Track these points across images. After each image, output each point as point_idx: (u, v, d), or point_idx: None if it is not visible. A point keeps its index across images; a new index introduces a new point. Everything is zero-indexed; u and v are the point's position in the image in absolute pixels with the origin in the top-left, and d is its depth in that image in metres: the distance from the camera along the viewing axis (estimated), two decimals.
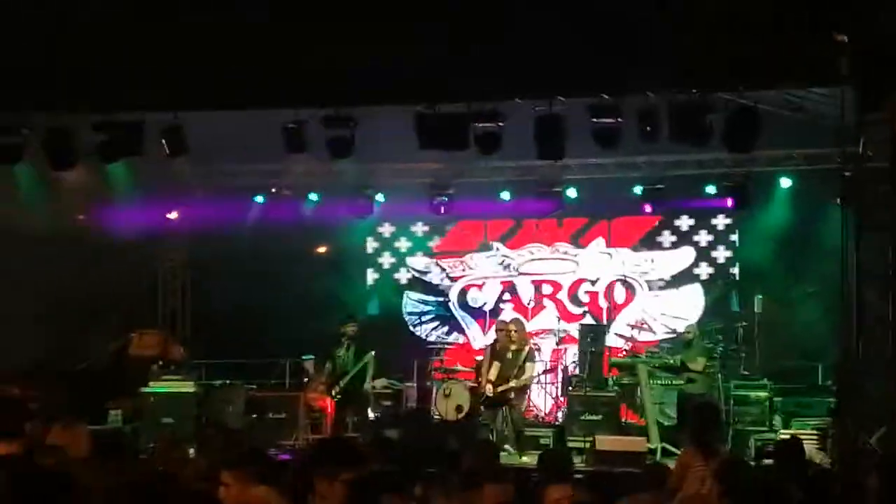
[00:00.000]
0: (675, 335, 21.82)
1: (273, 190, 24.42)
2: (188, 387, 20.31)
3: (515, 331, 18.77)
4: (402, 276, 25.75)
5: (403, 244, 25.80)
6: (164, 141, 18.60)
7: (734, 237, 23.92)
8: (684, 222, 24.18)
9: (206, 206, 24.08)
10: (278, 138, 18.63)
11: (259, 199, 24.64)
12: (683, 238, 24.20)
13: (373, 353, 19.49)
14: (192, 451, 11.54)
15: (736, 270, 23.84)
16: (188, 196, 24.43)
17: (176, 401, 20.01)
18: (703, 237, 24.11)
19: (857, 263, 16.46)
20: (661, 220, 24.16)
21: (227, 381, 21.59)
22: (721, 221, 23.96)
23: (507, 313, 24.05)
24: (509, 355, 18.54)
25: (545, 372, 22.52)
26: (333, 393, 19.53)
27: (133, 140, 18.25)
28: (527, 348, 18.73)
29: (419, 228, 25.70)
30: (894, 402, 16.02)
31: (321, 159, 20.57)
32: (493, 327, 21.28)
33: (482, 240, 25.28)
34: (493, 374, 18.55)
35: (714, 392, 19.77)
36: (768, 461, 15.66)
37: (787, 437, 16.01)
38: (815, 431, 18.54)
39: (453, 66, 16.37)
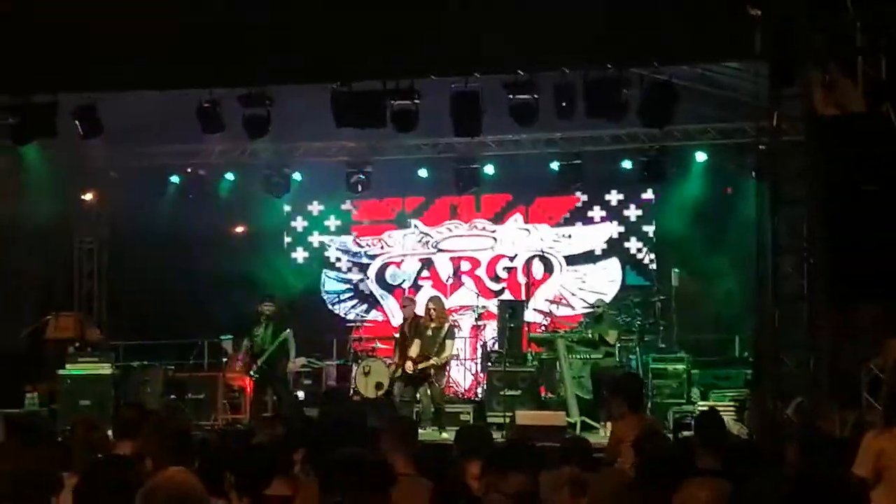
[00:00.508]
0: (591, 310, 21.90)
1: (189, 170, 24.26)
2: (105, 368, 20.09)
3: (435, 308, 18.72)
4: (320, 254, 25.65)
5: (321, 223, 25.70)
6: (77, 122, 18.37)
7: (650, 212, 24.02)
8: (601, 198, 24.25)
9: (121, 188, 23.86)
10: (194, 118, 18.48)
11: (175, 179, 24.46)
12: (601, 213, 24.28)
13: (290, 330, 19.36)
14: (109, 432, 11.44)
15: (653, 245, 23.93)
16: (103, 177, 24.16)
17: (93, 383, 19.79)
18: (619, 212, 24.20)
19: (773, 236, 16.60)
20: (578, 195, 24.22)
21: (145, 363, 21.44)
22: (637, 196, 24.06)
23: (426, 290, 24.09)
24: (429, 332, 18.51)
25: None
26: (252, 372, 19.40)
27: (46, 121, 18.01)
28: (446, 325, 18.69)
29: (336, 207, 25.59)
30: (810, 374, 16.18)
31: (237, 139, 20.48)
32: (401, 305, 21.23)
33: (400, 218, 25.22)
34: (413, 352, 18.50)
35: (632, 366, 19.89)
36: (687, 433, 15.80)
37: (705, 408, 16.19)
38: (732, 403, 18.74)
39: (368, 44, 16.31)
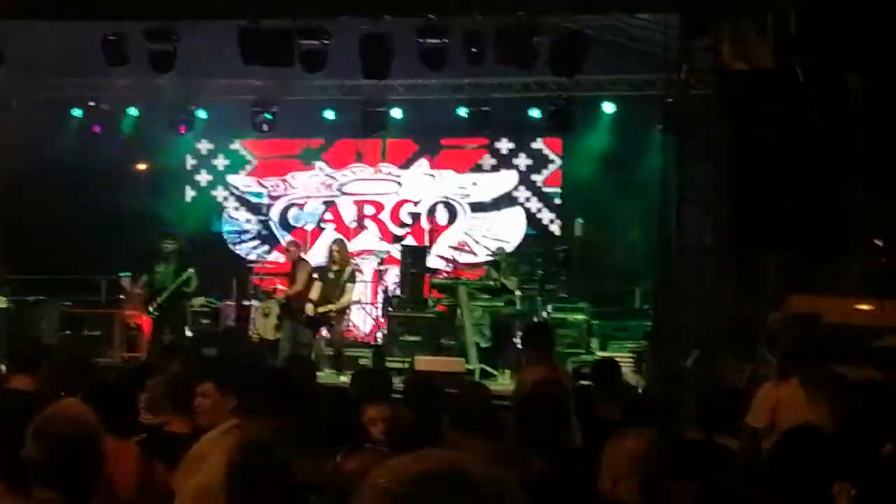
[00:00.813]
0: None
1: (91, 104, 23.87)
2: (1, 302, 19.80)
3: (338, 251, 18.62)
4: (222, 193, 25.43)
5: (224, 162, 25.47)
6: None
7: (556, 161, 24.05)
8: (507, 145, 24.26)
9: (21, 119, 23.44)
10: (98, 51, 18.19)
11: (76, 112, 24.07)
12: (506, 161, 24.29)
13: (192, 269, 19.15)
14: (3, 367, 11.29)
15: (557, 193, 23.98)
16: (3, 108, 23.70)
17: None
18: (525, 160, 24.21)
19: (678, 189, 16.70)
20: (484, 142, 24.20)
21: (41, 298, 21.15)
22: (543, 145, 24.08)
23: (329, 233, 23.99)
24: (331, 275, 18.41)
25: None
26: (151, 309, 19.16)
27: None
28: (348, 269, 18.60)
29: (240, 146, 25.36)
30: (710, 326, 16.32)
31: (143, 74, 20.21)
32: (286, 247, 21.09)
33: (306, 155, 25.04)
34: (314, 294, 18.40)
35: (533, 314, 19.93)
36: (585, 383, 15.86)
37: (604, 358, 16.27)
38: (631, 354, 18.87)
39: None
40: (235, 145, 25.32)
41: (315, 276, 19.05)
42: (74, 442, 4.31)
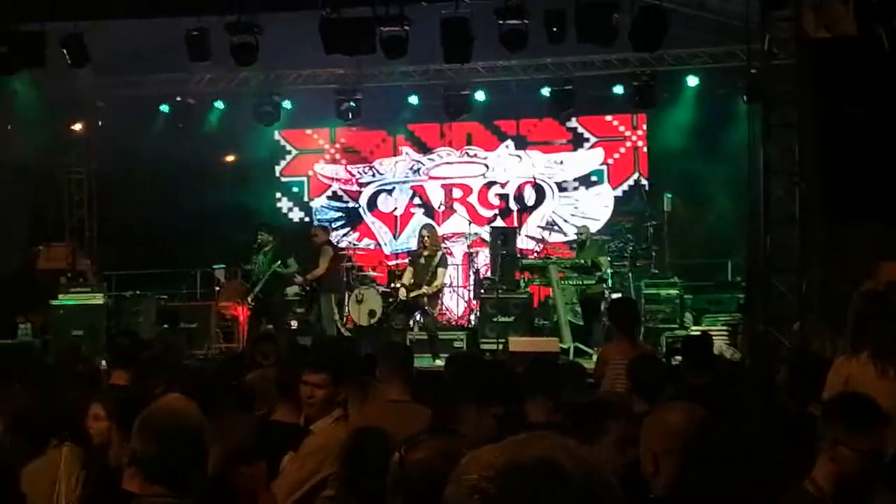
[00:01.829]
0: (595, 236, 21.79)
1: (178, 99, 24.13)
2: (97, 298, 20.10)
3: (428, 236, 18.69)
4: (312, 182, 25.60)
5: (313, 150, 25.63)
6: (65, 51, 18.27)
7: (642, 137, 23.99)
8: (593, 123, 24.20)
9: (110, 117, 23.77)
10: (182, 47, 18.39)
11: (164, 108, 24.34)
12: (593, 139, 24.24)
13: (292, 258, 19.34)
14: (104, 362, 11.49)
15: (645, 170, 23.92)
16: (92, 107, 24.04)
17: (85, 312, 19.80)
18: (612, 137, 24.14)
19: (764, 160, 16.60)
20: (569, 121, 24.16)
21: (137, 292, 21.48)
22: (629, 122, 24.02)
23: (418, 217, 24.10)
24: (422, 261, 18.51)
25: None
26: (248, 300, 19.39)
27: (34, 51, 17.88)
28: (439, 254, 18.65)
29: (328, 134, 25.52)
30: (802, 297, 16.23)
31: (226, 67, 20.42)
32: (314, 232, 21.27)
33: (391, 144, 25.18)
34: (406, 280, 18.54)
35: (624, 292, 19.90)
36: (680, 358, 15.85)
37: (698, 333, 16.22)
38: (725, 327, 18.78)
39: None
40: (322, 134, 25.46)
41: (407, 260, 19.26)
42: (181, 437, 4.38)
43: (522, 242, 22.38)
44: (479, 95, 23.35)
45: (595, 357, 17.30)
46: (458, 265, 23.12)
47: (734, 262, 21.24)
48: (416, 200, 25.02)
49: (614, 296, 18.90)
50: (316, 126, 25.38)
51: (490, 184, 24.72)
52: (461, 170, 24.90)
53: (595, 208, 23.96)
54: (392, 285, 20.00)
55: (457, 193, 24.82)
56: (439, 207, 24.22)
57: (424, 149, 25.06)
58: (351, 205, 25.40)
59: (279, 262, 18.97)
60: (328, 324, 19.78)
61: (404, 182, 25.14)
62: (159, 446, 4.36)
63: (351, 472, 5.13)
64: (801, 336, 15.60)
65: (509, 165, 24.63)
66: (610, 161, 24.20)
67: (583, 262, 19.44)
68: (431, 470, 4.26)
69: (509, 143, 24.62)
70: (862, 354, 8.28)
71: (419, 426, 6.59)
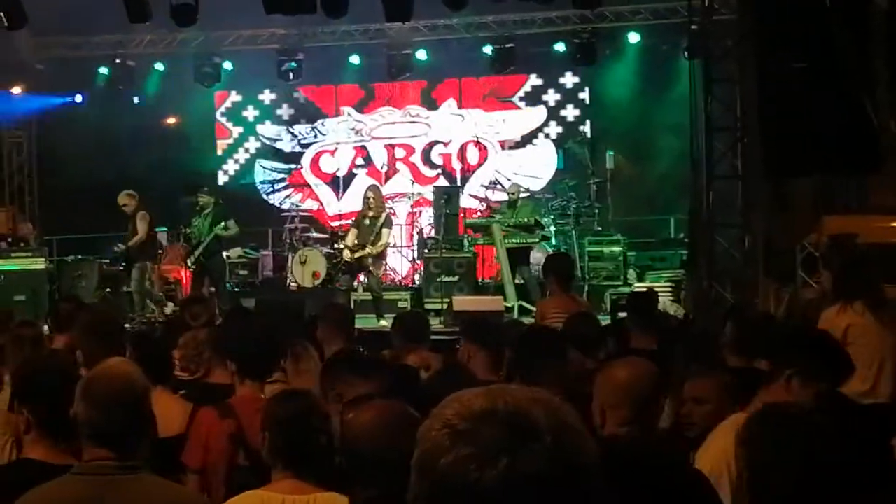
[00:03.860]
0: (528, 194, 21.77)
1: (118, 61, 23.88)
2: (39, 263, 19.87)
3: (373, 197, 18.60)
4: (252, 144, 25.47)
5: (252, 112, 25.50)
6: (1, 13, 18.03)
7: (584, 94, 23.99)
8: (534, 81, 24.18)
9: (48, 80, 23.54)
10: (121, 7, 18.19)
11: (103, 70, 24.10)
12: (534, 97, 24.23)
13: (232, 220, 19.21)
14: (46, 327, 11.40)
15: (587, 127, 23.92)
16: (30, 70, 23.77)
17: (28, 277, 19.60)
18: (553, 95, 24.15)
19: (706, 116, 16.65)
20: (511, 79, 24.12)
21: (79, 257, 21.31)
22: (570, 79, 24.02)
23: (361, 178, 24.03)
24: (367, 222, 18.44)
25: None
26: (189, 263, 19.26)
27: None
28: (384, 215, 18.57)
29: (268, 96, 25.40)
30: (745, 252, 16.32)
31: (166, 28, 20.27)
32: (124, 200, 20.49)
33: (333, 105, 25.07)
34: (350, 241, 18.48)
35: (568, 249, 19.93)
36: (623, 314, 15.91)
37: (642, 290, 16.27)
38: (668, 284, 18.87)
39: None
40: (263, 96, 25.34)
41: (351, 221, 19.22)
42: (123, 400, 4.36)
43: (466, 202, 22.38)
44: (421, 54, 23.27)
45: None
46: (401, 225, 23.07)
47: (677, 219, 21.29)
48: (359, 161, 24.92)
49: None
50: (259, 87, 25.22)
51: (433, 143, 24.66)
52: (404, 129, 24.82)
53: (537, 167, 23.94)
54: (335, 246, 19.92)
55: (399, 153, 24.74)
56: (382, 168, 24.12)
57: (366, 109, 24.94)
58: (293, 166, 25.26)
59: (221, 224, 18.85)
60: (140, 293, 19.34)
61: (346, 143, 25.03)
62: (102, 410, 4.32)
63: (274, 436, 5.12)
64: (743, 291, 15.72)
65: (452, 124, 24.57)
66: (552, 119, 24.14)
67: (525, 220, 19.41)
68: (372, 432, 4.27)
69: (451, 101, 24.54)
70: (855, 304, 8.34)
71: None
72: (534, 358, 6.67)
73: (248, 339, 7.01)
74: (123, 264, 19.51)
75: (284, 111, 25.49)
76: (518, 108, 24.31)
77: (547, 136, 24.15)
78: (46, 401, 4.90)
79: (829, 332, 7.87)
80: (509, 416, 2.19)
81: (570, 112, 24.06)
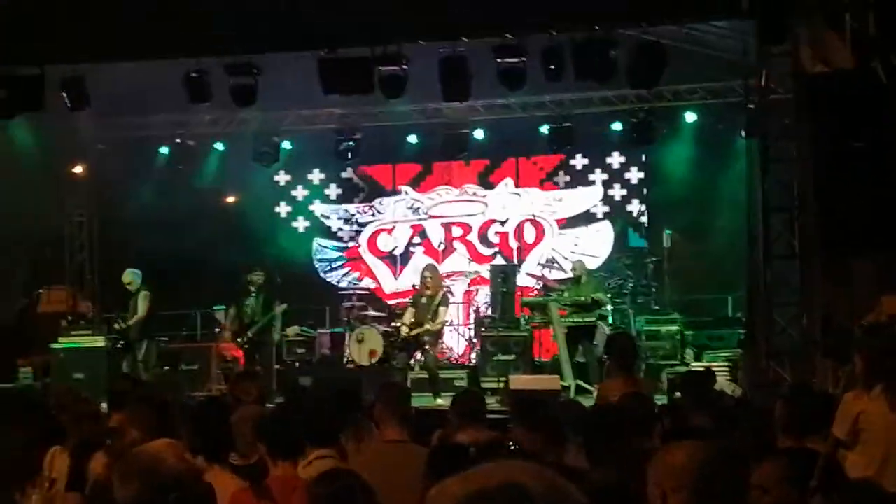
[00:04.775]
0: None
1: (178, 141, 24.15)
2: (98, 341, 19.98)
3: (430, 276, 18.63)
4: (311, 223, 25.60)
5: (311, 191, 25.64)
6: (64, 94, 18.30)
7: (641, 173, 23.98)
8: (592, 160, 24.21)
9: (110, 160, 23.80)
10: (181, 89, 18.41)
11: (164, 150, 24.36)
12: (592, 175, 24.25)
13: (284, 305, 19.34)
14: (104, 405, 11.45)
15: (645, 206, 23.90)
16: (91, 150, 24.05)
17: (86, 355, 19.70)
18: (611, 174, 24.15)
19: (764, 195, 16.61)
20: (568, 158, 24.16)
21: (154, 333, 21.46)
22: (628, 158, 24.02)
23: (418, 257, 24.09)
24: (424, 300, 18.47)
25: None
26: (240, 342, 19.33)
27: (32, 94, 17.90)
28: (441, 293, 18.61)
29: (326, 175, 25.54)
30: (803, 332, 16.20)
31: (226, 108, 20.49)
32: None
33: (391, 184, 25.20)
34: (407, 319, 18.50)
35: (625, 328, 19.86)
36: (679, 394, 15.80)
37: (698, 369, 16.18)
38: (726, 363, 18.74)
39: (355, 9, 16.26)
40: (322, 174, 25.47)
41: (409, 300, 19.28)
42: (162, 480, 4.36)
43: (522, 280, 22.38)
44: (478, 133, 23.39)
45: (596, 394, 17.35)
46: (458, 303, 23.07)
47: (735, 298, 21.16)
48: (416, 239, 25.00)
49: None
50: (316, 167, 25.39)
51: (489, 222, 24.70)
52: (460, 208, 24.89)
53: (594, 245, 23.92)
54: (393, 324, 19.94)
55: (456, 232, 24.80)
56: (439, 246, 24.18)
57: (424, 188, 25.04)
58: (350, 245, 25.36)
59: (274, 311, 19.02)
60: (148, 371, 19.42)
61: (404, 221, 25.12)
62: (141, 489, 4.34)
63: None
64: (801, 371, 15.57)
65: (508, 203, 24.62)
66: (609, 198, 24.14)
67: (583, 299, 19.37)
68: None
69: (508, 180, 24.61)
70: (874, 390, 8.25)
71: (414, 466, 6.59)
72: (599, 440, 6.66)
73: (276, 420, 7.05)
74: (122, 343, 19.61)
75: (332, 191, 25.61)
76: (575, 186, 24.31)
77: (604, 215, 24.13)
78: None
79: (844, 416, 7.86)
80: (500, 492, 2.20)
81: (629, 191, 24.04)
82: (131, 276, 19.72)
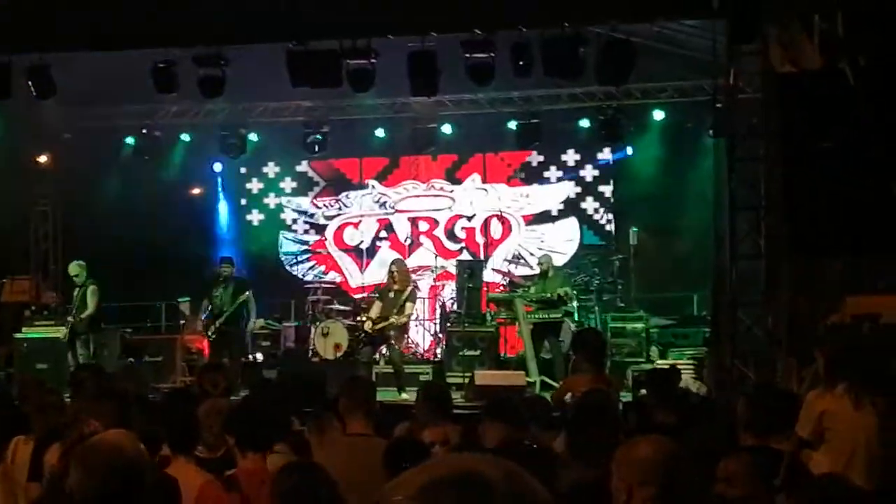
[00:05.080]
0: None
1: (144, 131, 24.05)
2: (61, 332, 19.88)
3: (398, 271, 18.59)
4: (277, 216, 25.54)
5: (276, 184, 25.58)
6: (30, 83, 18.18)
7: (608, 170, 24.01)
8: (559, 157, 24.22)
9: (75, 149, 23.66)
10: (148, 79, 18.32)
11: (130, 140, 24.25)
12: (559, 172, 24.26)
13: (250, 292, 19.26)
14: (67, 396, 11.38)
15: (610, 203, 23.93)
16: (57, 139, 23.91)
17: (50, 346, 19.62)
18: (578, 171, 24.17)
19: (730, 194, 16.64)
20: (535, 154, 24.18)
21: (102, 325, 21.32)
22: (595, 155, 24.04)
23: (385, 251, 24.06)
24: (391, 294, 18.41)
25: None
26: (209, 333, 19.26)
27: None
28: (409, 288, 18.55)
29: (293, 167, 25.47)
30: (768, 331, 16.25)
31: (193, 100, 20.41)
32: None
33: (358, 178, 25.15)
34: (373, 313, 18.45)
35: (591, 325, 19.89)
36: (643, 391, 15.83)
37: (665, 366, 16.21)
38: (691, 361, 18.78)
39: (324, 3, 16.23)
40: (288, 167, 25.41)
41: (375, 294, 19.23)
42: (117, 470, 4.34)
43: (489, 276, 22.37)
44: (446, 128, 23.39)
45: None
46: (424, 298, 23.04)
47: (700, 296, 21.22)
48: (383, 234, 24.96)
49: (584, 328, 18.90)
50: (281, 159, 25.32)
51: (456, 217, 24.69)
52: (427, 203, 24.88)
53: (560, 242, 23.94)
54: (358, 318, 19.89)
55: (423, 226, 24.78)
56: (405, 241, 24.16)
57: (391, 182, 25.01)
58: (317, 238, 25.31)
59: (241, 298, 18.92)
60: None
61: (370, 215, 25.07)
62: (96, 480, 4.31)
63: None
64: (765, 369, 15.62)
65: (475, 198, 24.61)
66: (574, 195, 24.16)
67: (549, 295, 19.36)
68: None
69: (475, 175, 24.60)
70: (836, 389, 8.27)
71: (379, 459, 6.57)
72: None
73: (245, 412, 7.02)
74: (67, 335, 19.55)
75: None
76: (542, 183, 24.33)
77: (570, 211, 24.14)
78: None
79: (807, 416, 7.89)
80: (456, 479, 2.19)
81: (595, 187, 24.07)
82: (77, 269, 19.67)
